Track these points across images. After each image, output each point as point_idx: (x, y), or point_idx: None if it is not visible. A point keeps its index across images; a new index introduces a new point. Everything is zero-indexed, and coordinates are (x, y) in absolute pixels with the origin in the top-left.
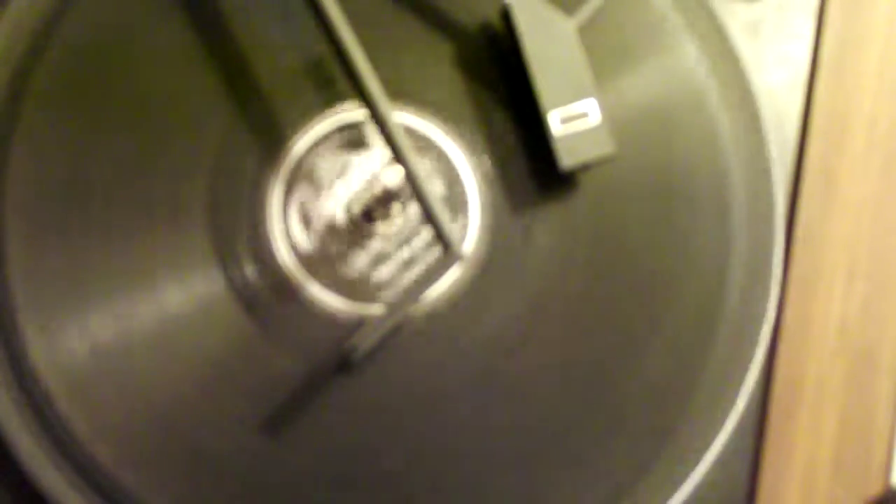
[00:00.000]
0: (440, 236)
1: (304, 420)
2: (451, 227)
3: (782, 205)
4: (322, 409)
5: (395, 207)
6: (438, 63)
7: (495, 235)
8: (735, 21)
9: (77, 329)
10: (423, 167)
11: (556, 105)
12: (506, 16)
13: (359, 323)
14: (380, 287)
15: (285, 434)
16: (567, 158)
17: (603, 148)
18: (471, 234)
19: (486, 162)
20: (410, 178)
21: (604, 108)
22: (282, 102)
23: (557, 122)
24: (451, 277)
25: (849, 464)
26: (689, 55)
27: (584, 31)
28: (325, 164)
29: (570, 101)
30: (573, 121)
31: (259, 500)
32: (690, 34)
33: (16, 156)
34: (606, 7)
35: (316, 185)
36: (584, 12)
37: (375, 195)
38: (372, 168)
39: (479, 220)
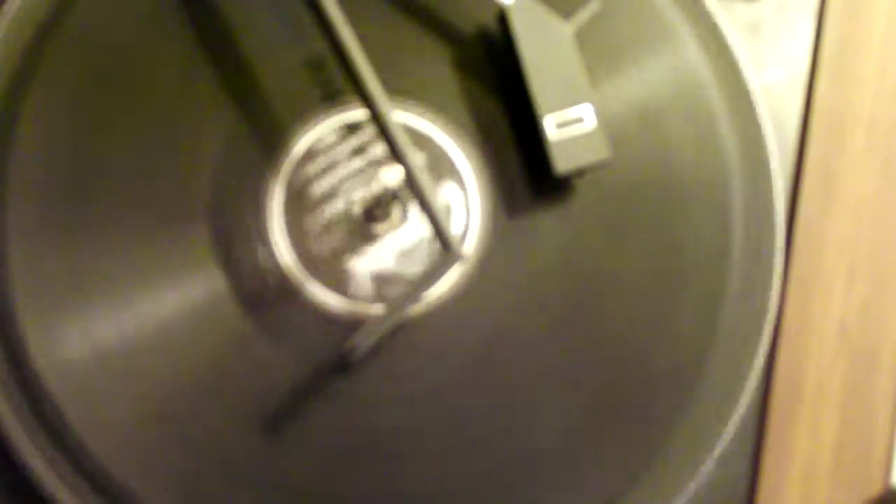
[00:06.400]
0: (440, 236)
1: (303, 420)
2: (450, 227)
3: (782, 205)
4: (322, 409)
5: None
6: (437, 65)
7: (495, 235)
8: (735, 21)
9: (77, 329)
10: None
11: (551, 109)
12: (503, 19)
13: (359, 323)
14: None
15: (285, 434)
16: (562, 164)
17: (598, 153)
18: (471, 234)
19: (487, 162)
20: (410, 178)
21: (599, 113)
22: (282, 103)
23: (553, 126)
24: (451, 277)
25: (849, 464)
26: (689, 56)
27: (584, 31)
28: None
29: (566, 106)
30: (568, 126)
31: (259, 500)
32: (690, 34)
33: (16, 156)
34: (606, 7)
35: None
36: (581, 17)
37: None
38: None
39: (479, 220)
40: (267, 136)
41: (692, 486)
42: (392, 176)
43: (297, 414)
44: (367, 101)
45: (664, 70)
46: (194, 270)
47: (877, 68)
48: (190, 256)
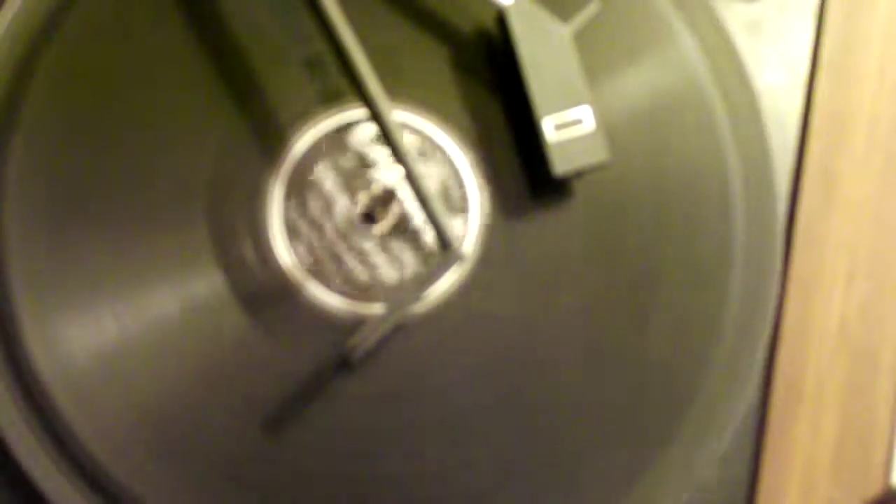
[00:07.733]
0: (440, 236)
1: (304, 420)
2: (450, 226)
3: (782, 205)
4: (322, 409)
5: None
6: (437, 65)
7: (495, 235)
8: (735, 21)
9: (77, 329)
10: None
11: (550, 111)
12: (502, 21)
13: (359, 323)
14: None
15: (285, 434)
16: (560, 165)
17: (597, 155)
18: (471, 233)
19: (486, 163)
20: (410, 178)
21: (598, 114)
22: (282, 103)
23: (551, 128)
24: (451, 277)
25: (849, 464)
26: (689, 56)
27: (585, 31)
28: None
29: (565, 108)
30: (567, 127)
31: (259, 500)
32: (690, 34)
33: (16, 157)
34: (606, 7)
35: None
36: (580, 18)
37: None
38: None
39: (478, 220)
40: (266, 136)
41: (692, 487)
42: (392, 176)
43: (297, 414)
44: (367, 101)
45: (663, 71)
46: (194, 270)
47: (877, 68)
48: (190, 256)
